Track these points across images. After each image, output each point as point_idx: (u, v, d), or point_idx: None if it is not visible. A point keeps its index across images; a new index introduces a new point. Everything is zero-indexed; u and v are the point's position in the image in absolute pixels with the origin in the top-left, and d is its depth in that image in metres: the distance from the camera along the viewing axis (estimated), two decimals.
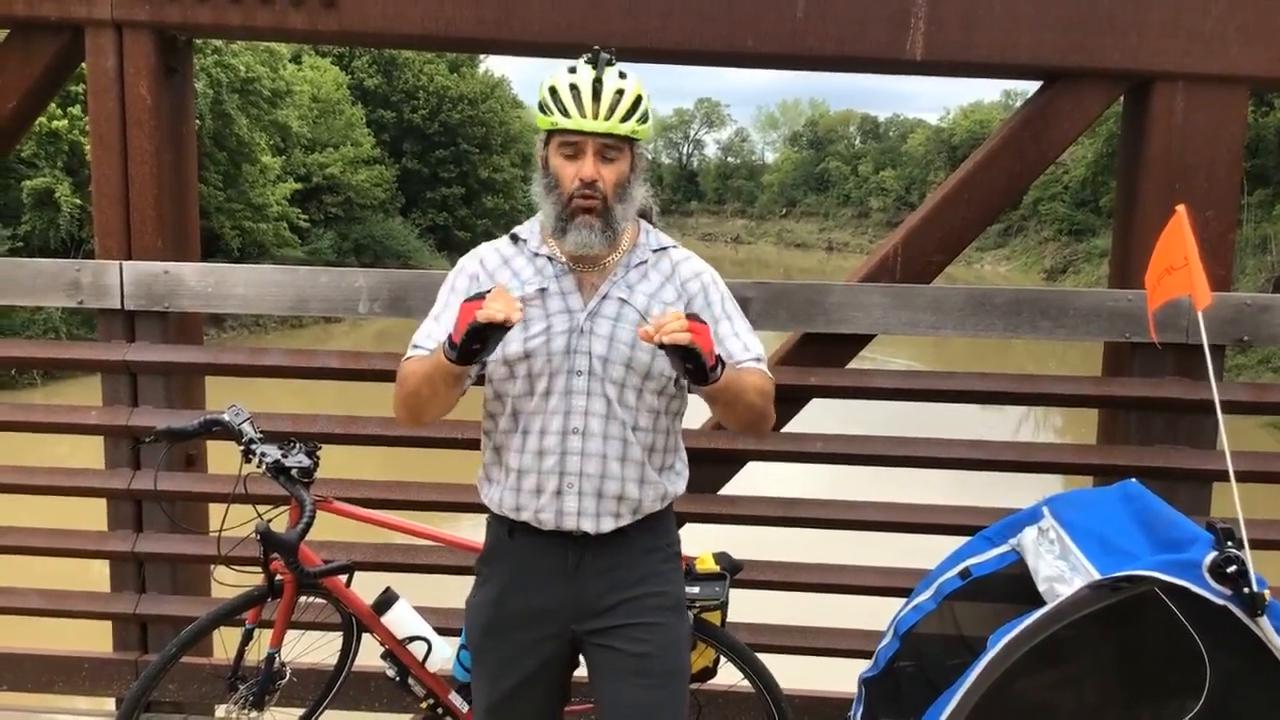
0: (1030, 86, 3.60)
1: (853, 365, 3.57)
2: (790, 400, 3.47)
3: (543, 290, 2.20)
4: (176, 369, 3.60)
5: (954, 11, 3.34)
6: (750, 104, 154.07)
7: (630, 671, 2.23)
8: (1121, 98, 3.51)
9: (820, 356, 3.50)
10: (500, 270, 2.25)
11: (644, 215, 2.33)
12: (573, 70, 2.13)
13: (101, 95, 3.50)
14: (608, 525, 2.22)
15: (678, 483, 2.34)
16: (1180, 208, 2.80)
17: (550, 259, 2.22)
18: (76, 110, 20.83)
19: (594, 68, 2.11)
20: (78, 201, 20.94)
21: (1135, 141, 3.49)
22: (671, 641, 2.29)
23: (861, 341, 3.52)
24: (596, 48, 2.14)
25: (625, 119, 2.11)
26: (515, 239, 2.30)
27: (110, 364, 3.56)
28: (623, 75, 2.13)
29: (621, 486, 2.21)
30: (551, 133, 2.15)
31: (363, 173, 34.96)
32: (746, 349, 2.26)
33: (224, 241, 26.25)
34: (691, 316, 1.98)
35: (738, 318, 2.32)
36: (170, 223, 3.64)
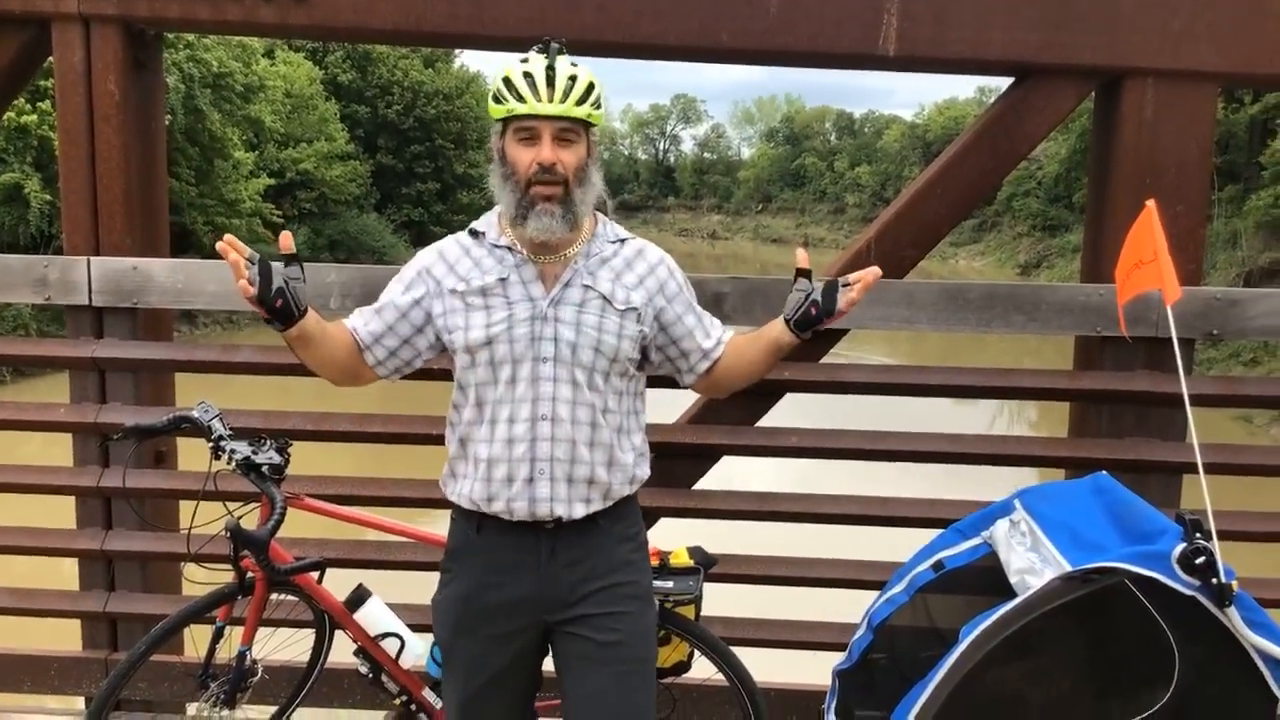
0: (1003, 83, 3.61)
1: (827, 360, 3.58)
2: (765, 395, 3.48)
3: (503, 280, 2.22)
4: (145, 366, 3.57)
5: (926, 7, 3.34)
6: (726, 100, 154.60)
7: (601, 660, 2.24)
8: (1093, 94, 3.54)
9: (794, 351, 3.48)
10: (461, 260, 2.27)
11: (598, 207, 2.34)
12: (525, 59, 2.15)
13: (69, 90, 3.46)
14: (579, 511, 2.23)
15: (643, 465, 2.36)
16: (1150, 203, 2.82)
17: (510, 249, 2.24)
18: (46, 105, 20.59)
19: (546, 55, 2.13)
20: (47, 197, 20.72)
21: (1106, 137, 3.51)
22: (641, 630, 2.31)
23: (835, 336, 3.52)
24: (547, 38, 2.17)
25: (580, 102, 2.13)
26: (474, 233, 2.31)
27: (78, 361, 3.52)
28: (574, 64, 2.17)
29: (591, 470, 2.22)
30: (507, 121, 2.16)
31: (337, 168, 34.79)
32: (709, 335, 2.40)
33: (196, 237, 26.03)
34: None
35: (696, 305, 2.42)
36: (139, 218, 3.60)
